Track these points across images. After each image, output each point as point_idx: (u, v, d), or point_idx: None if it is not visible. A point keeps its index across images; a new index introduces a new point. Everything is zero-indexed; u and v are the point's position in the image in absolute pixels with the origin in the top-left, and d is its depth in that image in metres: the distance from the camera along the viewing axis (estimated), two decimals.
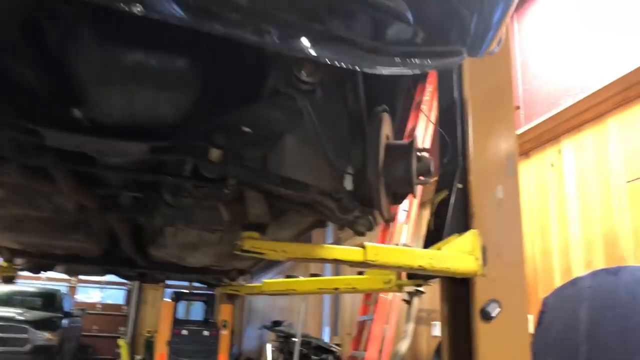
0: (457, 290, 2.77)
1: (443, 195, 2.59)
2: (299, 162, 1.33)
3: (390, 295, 4.75)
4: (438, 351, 4.63)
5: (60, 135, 1.15)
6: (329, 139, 1.31)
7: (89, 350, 12.95)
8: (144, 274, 3.55)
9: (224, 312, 10.70)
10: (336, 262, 2.00)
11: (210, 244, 2.49)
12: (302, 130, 1.31)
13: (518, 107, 4.29)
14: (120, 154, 1.26)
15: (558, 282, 3.60)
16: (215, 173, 1.34)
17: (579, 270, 3.47)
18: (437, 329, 4.99)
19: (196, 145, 1.25)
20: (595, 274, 3.24)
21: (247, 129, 1.23)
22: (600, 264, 3.36)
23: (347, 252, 1.97)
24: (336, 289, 2.99)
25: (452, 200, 2.63)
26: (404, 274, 2.86)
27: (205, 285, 3.77)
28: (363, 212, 1.35)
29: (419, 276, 2.71)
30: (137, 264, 3.05)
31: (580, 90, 3.76)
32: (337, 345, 6.97)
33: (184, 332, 10.10)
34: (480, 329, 2.44)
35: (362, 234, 1.60)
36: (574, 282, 3.36)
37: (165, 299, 12.97)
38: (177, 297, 10.78)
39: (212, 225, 2.05)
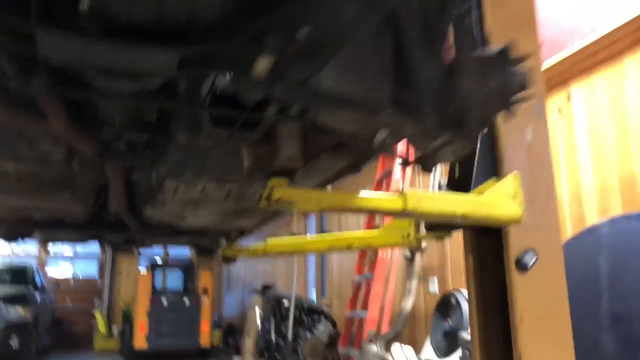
0: (482, 241, 2.57)
1: None
2: (361, 78, 1.06)
3: (388, 253, 4.58)
4: (439, 308, 4.50)
5: (60, 39, 0.85)
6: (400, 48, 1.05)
7: (64, 324, 12.57)
8: (132, 239, 3.25)
9: (204, 279, 10.45)
10: (373, 212, 1.76)
11: (215, 200, 2.22)
12: (366, 38, 1.04)
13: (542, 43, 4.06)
14: (137, 70, 0.97)
15: (570, 232, 3.46)
16: (259, 93, 1.05)
17: (594, 219, 3.33)
18: (434, 285, 4.86)
19: (241, 53, 0.95)
20: (614, 220, 3.11)
21: (304, 32, 0.94)
22: (617, 210, 3.22)
23: (385, 200, 1.73)
24: (349, 246, 2.76)
25: (479, 144, 2.42)
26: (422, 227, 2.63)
27: (199, 251, 3.50)
28: (452, 136, 1.09)
29: (440, 228, 2.50)
30: (128, 227, 2.76)
31: (590, 31, 3.54)
32: (326, 306, 6.84)
33: (164, 301, 9.82)
34: (516, 280, 2.26)
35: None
36: (590, 230, 3.23)
37: (140, 269, 12.65)
38: (154, 266, 10.45)
39: (227, 175, 1.77)
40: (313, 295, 8.18)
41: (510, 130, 2.40)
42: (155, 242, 3.34)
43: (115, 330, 11.86)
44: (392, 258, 4.64)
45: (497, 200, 2.00)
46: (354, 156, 1.59)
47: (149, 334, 9.54)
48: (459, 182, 2.43)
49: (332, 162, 1.65)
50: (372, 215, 5.10)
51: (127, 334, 10.31)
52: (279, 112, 1.17)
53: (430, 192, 1.88)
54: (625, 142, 3.18)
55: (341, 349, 4.97)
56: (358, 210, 1.69)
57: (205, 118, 1.36)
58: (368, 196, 1.70)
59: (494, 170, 2.41)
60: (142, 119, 1.42)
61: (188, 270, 11.00)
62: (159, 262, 10.80)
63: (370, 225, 5.17)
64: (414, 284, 4.22)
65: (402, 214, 1.74)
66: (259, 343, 6.02)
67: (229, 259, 3.37)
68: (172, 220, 2.50)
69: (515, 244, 2.27)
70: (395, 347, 3.63)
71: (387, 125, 1.11)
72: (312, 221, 8.08)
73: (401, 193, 1.75)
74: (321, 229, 7.70)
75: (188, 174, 1.76)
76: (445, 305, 4.50)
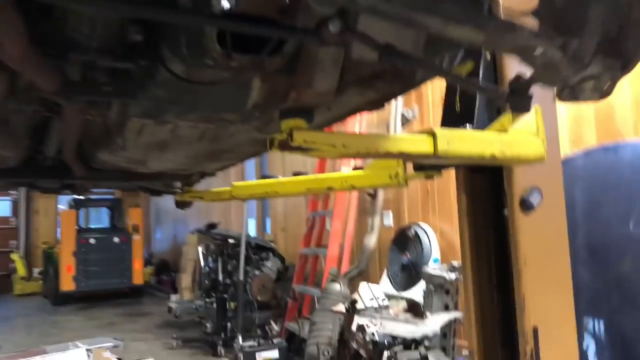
0: (475, 179, 2.41)
1: (467, 67, 2.12)
2: None
3: None
4: (396, 241, 4.43)
5: None
6: None
7: None
8: (72, 185, 2.80)
9: (134, 216, 9.92)
10: (402, 156, 1.49)
11: (186, 142, 1.85)
12: None
13: None
14: None
15: None
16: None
17: (565, 150, 3.26)
18: (389, 219, 4.76)
19: None
20: (589, 152, 3.05)
21: None
22: (591, 141, 3.16)
23: (415, 143, 1.47)
24: (329, 188, 2.50)
25: (482, 73, 2.19)
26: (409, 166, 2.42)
27: (151, 194, 3.10)
28: (607, 67, 0.81)
29: (430, 167, 2.29)
30: (68, 173, 2.32)
31: None
32: (271, 242, 6.66)
33: (92, 240, 9.25)
34: (520, 221, 2.11)
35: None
36: (564, 162, 3.14)
37: (59, 207, 11.82)
38: (78, 204, 9.72)
39: (223, 114, 1.42)
40: (252, 229, 7.93)
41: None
42: (100, 187, 2.91)
43: (36, 272, 11.17)
44: (352, 194, 4.46)
45: (523, 138, 1.79)
46: (390, 88, 1.29)
47: (76, 275, 9.01)
48: (463, 116, 2.21)
49: (359, 96, 1.35)
50: (324, 159, 4.84)
51: (50, 275, 9.71)
52: (342, 32, 0.84)
53: (458, 131, 1.63)
54: None
55: (296, 286, 4.84)
56: (386, 155, 1.42)
57: (213, 39, 1.00)
58: (397, 138, 1.43)
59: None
60: (124, 40, 1.03)
61: (115, 207, 10.38)
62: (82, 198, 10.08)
63: (322, 166, 4.92)
64: (377, 220, 4.08)
65: (432, 156, 1.50)
66: (207, 283, 5.77)
67: (184, 204, 3.02)
68: (131, 165, 2.10)
69: (520, 183, 2.11)
70: (363, 285, 3.51)
71: (521, 48, 0.82)
72: (251, 164, 7.66)
73: (430, 133, 1.50)
74: (261, 173, 7.33)
75: (171, 114, 1.39)
76: (403, 239, 4.43)
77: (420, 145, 1.46)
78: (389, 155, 1.40)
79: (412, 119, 4.17)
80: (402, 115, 4.05)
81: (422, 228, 4.30)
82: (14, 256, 11.30)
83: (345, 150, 1.31)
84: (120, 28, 1.00)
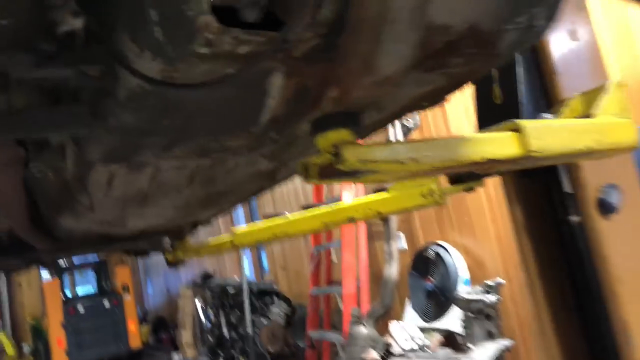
0: (525, 186, 2.01)
1: None
2: None
3: None
4: (415, 266, 3.99)
5: None
6: None
7: None
8: (39, 259, 2.33)
9: (122, 275, 9.32)
10: (488, 163, 1.06)
11: (173, 189, 1.41)
12: None
13: None
14: None
15: None
16: None
17: None
18: (402, 241, 4.31)
19: None
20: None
21: None
22: None
23: (499, 143, 1.06)
24: (351, 219, 2.07)
25: (517, 61, 1.83)
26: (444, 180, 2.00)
27: (135, 255, 2.63)
28: None
29: (469, 177, 1.87)
30: (33, 249, 1.87)
31: None
32: (272, 283, 6.15)
33: (80, 308, 8.62)
34: (602, 228, 1.69)
35: None
36: None
37: (43, 275, 11.18)
38: (60, 271, 9.10)
39: (224, 138, 0.98)
40: (248, 269, 7.39)
41: (554, 31, 1.82)
42: (73, 255, 2.43)
43: (27, 349, 10.43)
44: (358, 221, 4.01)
45: (613, 121, 1.38)
46: (467, 67, 0.88)
47: (69, 349, 8.36)
48: (506, 108, 1.82)
49: (418, 86, 0.92)
50: (319, 185, 4.39)
51: (41, 352, 9.02)
52: None
53: (543, 122, 1.22)
54: (630, 44, 2.73)
55: (312, 332, 4.34)
56: (468, 165, 1.00)
57: (203, 6, 0.57)
58: (476, 141, 1.01)
59: (541, 86, 1.82)
60: (52, 30, 0.60)
61: (101, 269, 9.77)
62: (65, 265, 9.46)
63: (319, 194, 4.47)
64: (394, 246, 3.64)
65: (521, 159, 1.09)
66: (210, 340, 5.24)
67: (177, 263, 2.54)
68: (104, 228, 1.65)
69: (592, 181, 1.70)
70: (394, 325, 3.05)
71: None
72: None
73: (513, 128, 1.09)
74: (250, 211, 6.80)
75: (148, 151, 0.95)
76: (423, 262, 3.99)
77: (506, 147, 1.04)
78: (471, 165, 0.98)
79: (414, 129, 3.78)
80: (403, 125, 3.65)
81: (442, 247, 3.88)
82: (0, 336, 10.55)
83: (416, 166, 0.88)
84: (39, 7, 0.57)
